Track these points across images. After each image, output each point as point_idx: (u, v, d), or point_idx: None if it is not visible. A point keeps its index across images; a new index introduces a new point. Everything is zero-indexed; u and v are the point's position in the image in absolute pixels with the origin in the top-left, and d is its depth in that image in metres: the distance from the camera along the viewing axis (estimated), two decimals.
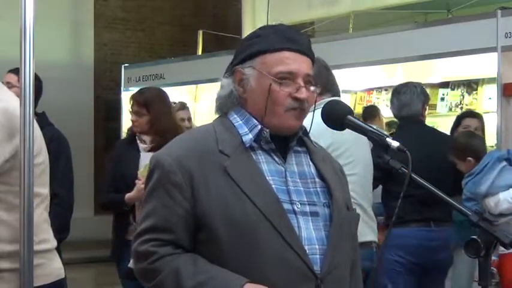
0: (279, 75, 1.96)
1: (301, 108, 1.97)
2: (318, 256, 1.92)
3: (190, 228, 1.90)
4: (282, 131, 1.99)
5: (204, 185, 1.89)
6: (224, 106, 2.04)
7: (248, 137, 1.97)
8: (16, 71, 3.94)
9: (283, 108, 1.96)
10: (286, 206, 1.92)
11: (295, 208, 1.93)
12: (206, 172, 1.90)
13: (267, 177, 1.93)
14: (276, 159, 1.98)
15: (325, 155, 2.15)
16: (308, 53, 2.02)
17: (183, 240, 1.91)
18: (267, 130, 1.97)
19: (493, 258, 4.31)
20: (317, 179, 2.02)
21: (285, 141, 2.01)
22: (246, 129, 1.98)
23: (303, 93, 1.96)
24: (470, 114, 5.40)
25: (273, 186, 1.93)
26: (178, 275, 1.85)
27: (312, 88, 2.00)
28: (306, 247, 1.91)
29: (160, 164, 1.94)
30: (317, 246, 1.93)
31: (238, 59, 2.02)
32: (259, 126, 1.97)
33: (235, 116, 2.01)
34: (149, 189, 1.96)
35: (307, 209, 1.95)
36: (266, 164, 1.96)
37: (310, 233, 1.93)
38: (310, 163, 2.05)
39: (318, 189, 2.01)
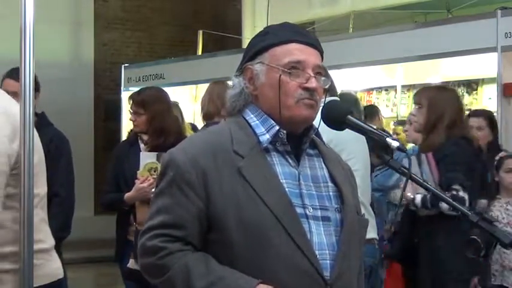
0: (288, 66, 1.94)
1: (312, 98, 1.94)
2: (328, 261, 1.90)
3: (202, 227, 1.88)
4: (295, 125, 1.96)
5: (218, 184, 1.87)
6: (236, 105, 2.02)
7: (265, 137, 1.95)
8: (13, 75, 3.91)
9: (293, 99, 1.93)
10: (299, 210, 1.90)
11: (307, 212, 1.92)
12: (220, 171, 1.88)
13: (281, 180, 1.92)
14: (290, 161, 1.96)
15: (336, 158, 2.13)
16: (316, 45, 2.01)
17: (194, 238, 1.88)
18: (284, 131, 1.95)
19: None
20: (330, 183, 2.00)
21: (298, 144, 1.99)
22: (263, 129, 1.96)
23: (313, 83, 1.94)
24: (474, 113, 5.42)
25: (287, 189, 1.91)
26: (189, 273, 1.82)
27: (323, 79, 1.98)
28: (317, 252, 1.89)
29: (175, 162, 1.91)
30: (327, 252, 1.91)
31: (248, 57, 2.01)
32: (277, 127, 1.95)
33: (252, 115, 1.99)
34: (162, 186, 1.93)
35: (319, 213, 1.93)
36: (280, 167, 1.94)
37: (321, 238, 1.91)
38: (323, 166, 2.03)
39: (331, 193, 1.99)
